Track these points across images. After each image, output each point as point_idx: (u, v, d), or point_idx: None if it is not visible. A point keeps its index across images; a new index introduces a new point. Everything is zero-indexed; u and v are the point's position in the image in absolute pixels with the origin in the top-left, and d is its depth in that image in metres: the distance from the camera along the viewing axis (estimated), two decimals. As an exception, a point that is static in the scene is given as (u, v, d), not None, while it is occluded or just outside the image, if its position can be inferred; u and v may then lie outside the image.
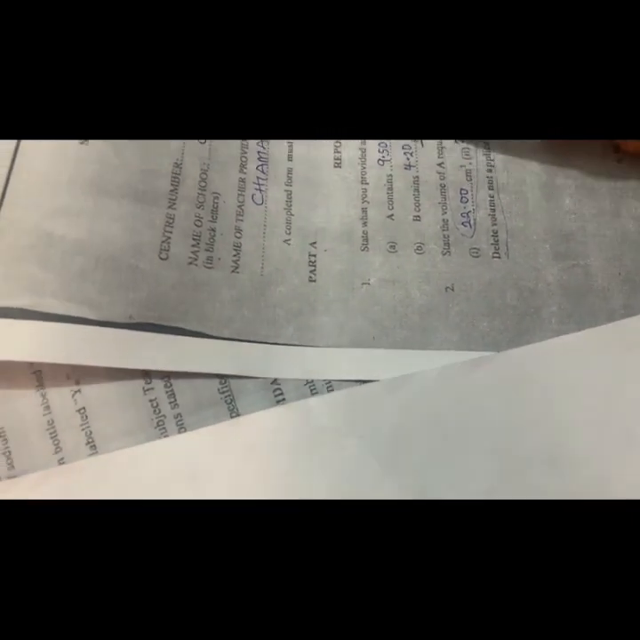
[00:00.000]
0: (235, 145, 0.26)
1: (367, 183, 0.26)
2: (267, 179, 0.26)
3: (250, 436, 0.22)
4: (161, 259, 0.23)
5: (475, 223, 0.25)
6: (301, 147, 0.26)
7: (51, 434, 0.23)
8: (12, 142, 0.24)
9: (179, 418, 0.23)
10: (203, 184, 0.25)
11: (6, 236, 0.23)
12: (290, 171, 0.26)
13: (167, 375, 0.23)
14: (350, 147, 0.26)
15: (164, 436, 0.23)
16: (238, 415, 0.23)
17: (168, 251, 0.23)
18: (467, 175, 0.26)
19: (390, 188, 0.26)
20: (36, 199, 0.23)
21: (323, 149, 0.26)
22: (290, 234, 0.25)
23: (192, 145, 0.25)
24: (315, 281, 0.24)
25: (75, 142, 0.24)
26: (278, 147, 0.26)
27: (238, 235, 0.25)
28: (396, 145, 0.26)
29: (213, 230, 0.24)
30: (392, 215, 0.25)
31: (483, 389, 0.23)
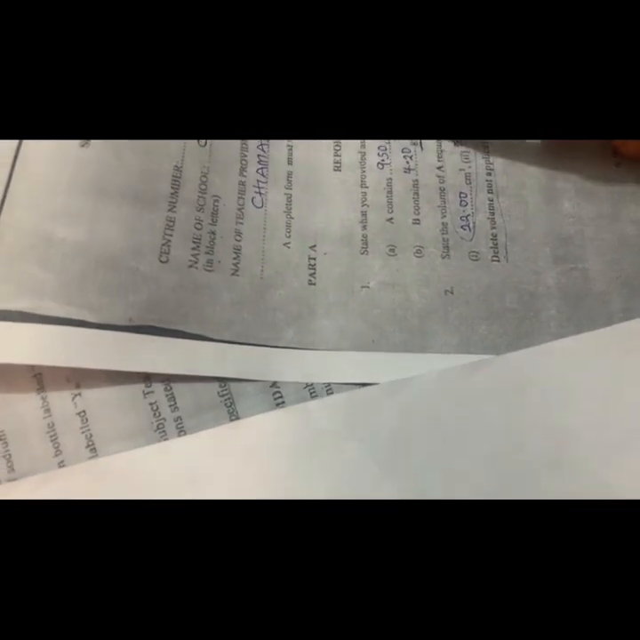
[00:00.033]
0: (235, 148, 0.26)
1: (367, 186, 0.26)
2: (267, 182, 0.26)
3: (249, 440, 0.22)
4: (161, 261, 0.23)
5: (474, 226, 0.25)
6: (301, 150, 0.26)
7: (51, 437, 0.23)
8: (14, 144, 0.24)
9: (179, 421, 0.23)
10: (203, 187, 0.25)
11: (6, 238, 0.23)
12: (290, 174, 0.26)
13: (167, 378, 0.23)
14: (350, 150, 0.26)
15: (164, 439, 0.23)
16: (238, 418, 0.23)
17: (168, 253, 0.23)
18: (466, 179, 0.26)
19: (390, 192, 0.26)
20: (37, 201, 0.23)
21: (322, 153, 0.26)
22: (290, 237, 0.25)
23: (192, 148, 0.25)
24: (314, 284, 0.25)
25: (75, 144, 0.24)
26: (278, 150, 0.26)
27: (238, 238, 0.25)
28: (395, 148, 0.27)
29: (213, 233, 0.24)
30: (392, 218, 0.26)
31: (482, 392, 0.23)
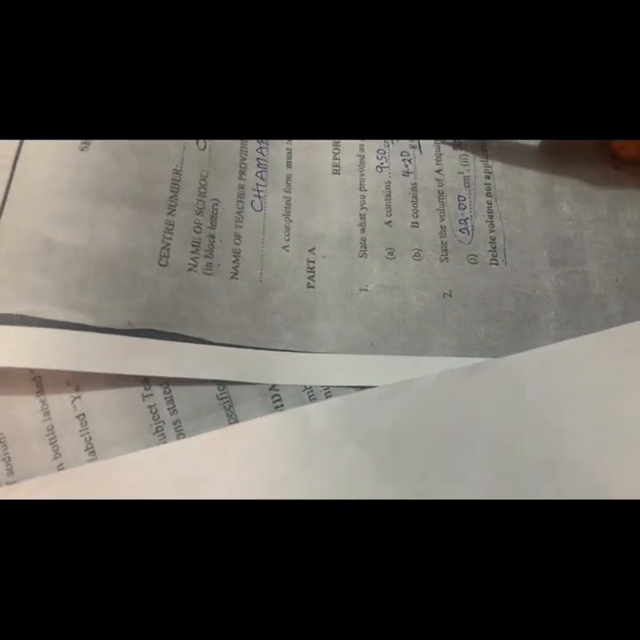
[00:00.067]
0: (234, 151, 0.26)
1: (366, 190, 0.26)
2: (266, 185, 0.26)
3: (248, 443, 0.22)
4: (160, 265, 0.23)
5: (472, 230, 0.25)
6: (300, 153, 0.26)
7: (50, 440, 0.23)
8: (14, 148, 0.24)
9: (177, 424, 0.23)
10: (202, 190, 0.25)
11: (6, 243, 0.23)
12: (289, 177, 0.26)
13: (166, 381, 0.23)
14: (349, 153, 0.27)
15: (163, 443, 0.23)
16: (237, 421, 0.23)
17: (167, 257, 0.24)
18: (465, 182, 0.26)
19: (388, 195, 0.26)
20: (37, 205, 0.23)
21: (321, 156, 0.26)
22: (288, 240, 0.25)
23: (191, 151, 0.25)
24: (313, 287, 0.25)
25: (75, 148, 0.24)
26: (277, 153, 0.26)
27: (237, 241, 0.25)
28: (394, 151, 0.27)
29: (213, 237, 0.24)
30: (390, 222, 0.26)
31: (480, 395, 0.23)
